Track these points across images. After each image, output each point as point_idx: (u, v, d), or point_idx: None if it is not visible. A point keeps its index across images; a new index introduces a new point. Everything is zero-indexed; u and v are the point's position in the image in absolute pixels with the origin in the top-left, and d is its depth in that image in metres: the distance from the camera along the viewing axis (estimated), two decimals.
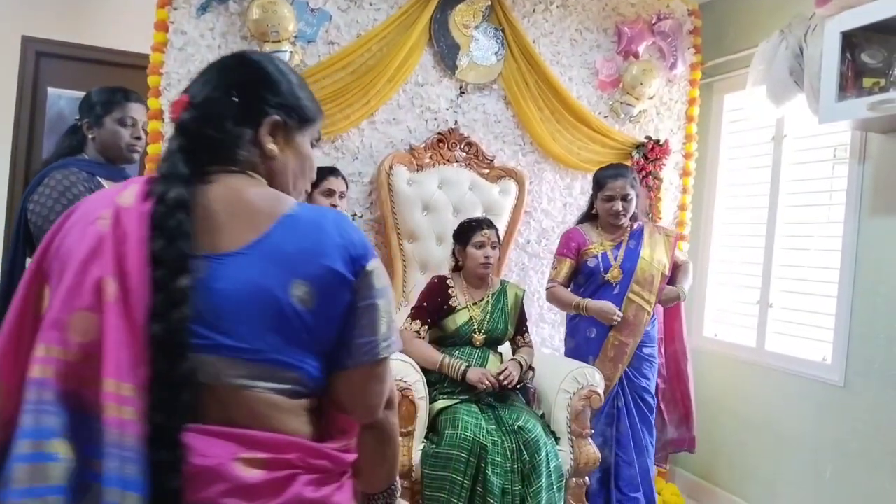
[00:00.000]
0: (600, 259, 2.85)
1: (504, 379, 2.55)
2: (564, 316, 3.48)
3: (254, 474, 0.87)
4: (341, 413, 1.03)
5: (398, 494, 1.15)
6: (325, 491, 0.95)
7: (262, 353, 0.90)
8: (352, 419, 1.04)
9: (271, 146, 1.02)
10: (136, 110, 2.16)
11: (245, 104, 1.01)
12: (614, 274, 2.83)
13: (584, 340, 2.86)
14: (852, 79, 2.50)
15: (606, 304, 2.76)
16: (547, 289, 2.94)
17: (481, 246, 2.72)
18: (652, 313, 2.85)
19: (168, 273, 0.87)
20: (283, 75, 1.06)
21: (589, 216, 2.98)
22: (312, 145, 1.12)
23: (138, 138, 2.17)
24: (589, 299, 2.79)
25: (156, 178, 0.95)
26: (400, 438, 1.13)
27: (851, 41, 2.49)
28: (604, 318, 2.76)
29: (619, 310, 2.78)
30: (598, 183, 2.90)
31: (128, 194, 0.94)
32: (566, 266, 2.88)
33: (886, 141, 2.69)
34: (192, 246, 0.90)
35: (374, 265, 0.98)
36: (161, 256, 0.88)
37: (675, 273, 2.97)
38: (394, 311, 1.02)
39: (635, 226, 2.93)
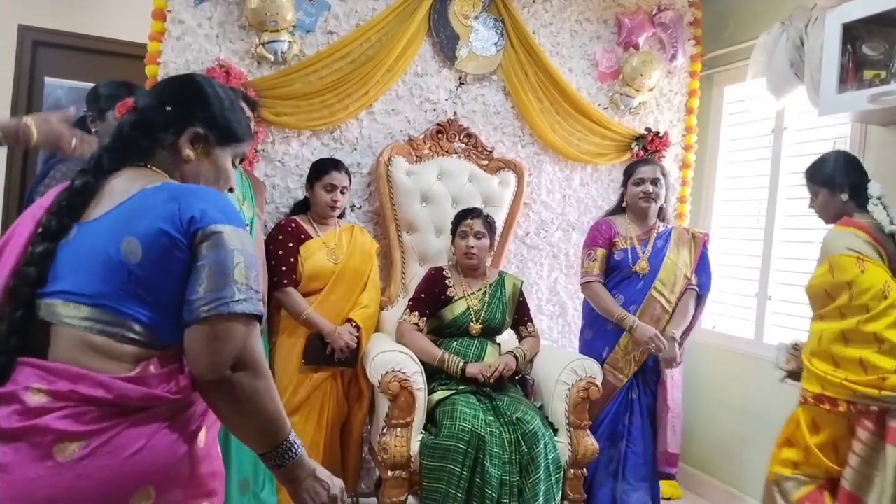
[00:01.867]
0: (629, 252, 2.84)
1: (493, 376, 2.54)
2: (563, 308, 3.50)
3: (36, 401, 1.02)
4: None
5: (295, 455, 1.14)
6: (91, 427, 1.01)
7: (92, 298, 1.06)
8: (194, 373, 1.08)
9: (188, 151, 1.21)
10: None
11: (175, 114, 1.21)
12: (642, 266, 2.81)
13: (602, 332, 2.84)
14: (853, 71, 2.50)
15: (653, 333, 2.70)
16: (585, 283, 2.88)
17: (464, 236, 2.73)
18: (671, 312, 2.82)
19: (40, 237, 1.10)
20: (218, 98, 1.25)
21: (618, 209, 2.98)
22: (234, 164, 1.29)
23: None
24: (639, 321, 2.72)
25: (81, 169, 1.18)
26: (260, 402, 1.11)
27: (852, 33, 2.48)
28: (642, 340, 2.72)
29: (640, 305, 2.78)
30: (628, 171, 2.94)
31: None
32: (600, 256, 2.84)
33: (886, 133, 2.68)
34: (76, 218, 1.12)
35: (213, 231, 1.07)
36: (44, 225, 1.12)
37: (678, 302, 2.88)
38: (240, 272, 1.08)
39: (663, 227, 2.92)
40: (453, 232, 2.80)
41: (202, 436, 1.14)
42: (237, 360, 1.07)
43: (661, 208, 2.92)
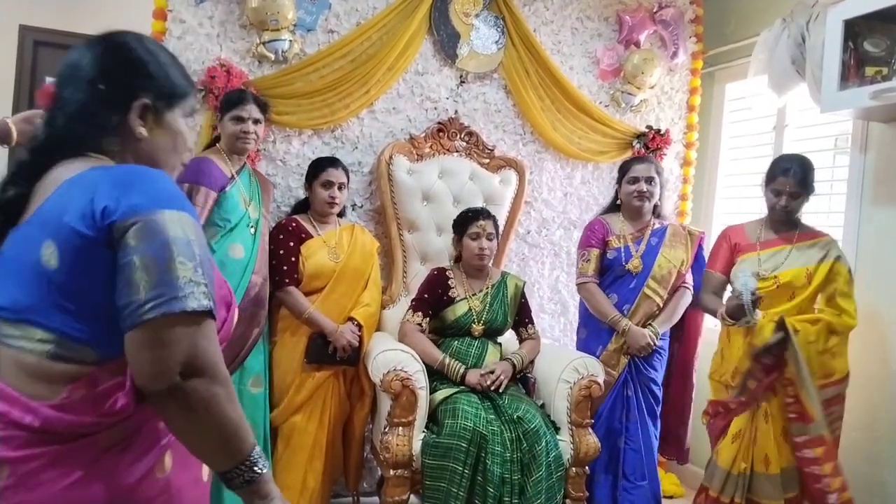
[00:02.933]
0: (622, 251, 2.84)
1: (492, 386, 2.54)
2: (565, 306, 3.50)
3: None
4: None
5: (261, 470, 0.99)
6: (18, 452, 0.91)
7: (17, 313, 0.94)
8: (139, 385, 0.93)
9: (140, 129, 1.04)
10: None
11: (112, 91, 1.03)
12: (635, 264, 2.82)
13: (596, 331, 2.86)
14: (854, 67, 2.49)
15: (644, 336, 2.75)
16: (580, 284, 2.89)
17: (476, 237, 2.72)
18: (661, 305, 2.83)
19: None
20: (152, 55, 1.07)
21: (613, 207, 2.99)
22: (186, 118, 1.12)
23: None
24: (631, 323, 2.76)
25: (9, 172, 1.05)
26: (221, 411, 0.95)
27: (854, 30, 2.48)
28: (635, 346, 2.76)
29: (633, 303, 2.79)
30: (623, 169, 2.94)
31: None
32: (595, 256, 2.85)
33: (888, 130, 2.68)
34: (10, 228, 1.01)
35: (137, 220, 0.91)
36: None
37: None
38: (180, 263, 0.92)
39: (658, 224, 2.92)
40: (461, 232, 2.77)
41: (166, 462, 1.00)
42: (187, 365, 0.92)
43: (655, 206, 2.92)
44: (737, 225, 2.75)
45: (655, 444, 2.87)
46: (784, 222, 2.59)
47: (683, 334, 3.01)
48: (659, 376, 2.87)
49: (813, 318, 2.46)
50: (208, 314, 0.94)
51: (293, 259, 2.66)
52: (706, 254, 2.95)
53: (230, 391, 0.97)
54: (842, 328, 2.44)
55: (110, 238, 0.92)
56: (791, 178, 2.46)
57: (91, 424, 0.94)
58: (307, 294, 2.68)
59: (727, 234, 2.73)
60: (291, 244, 2.67)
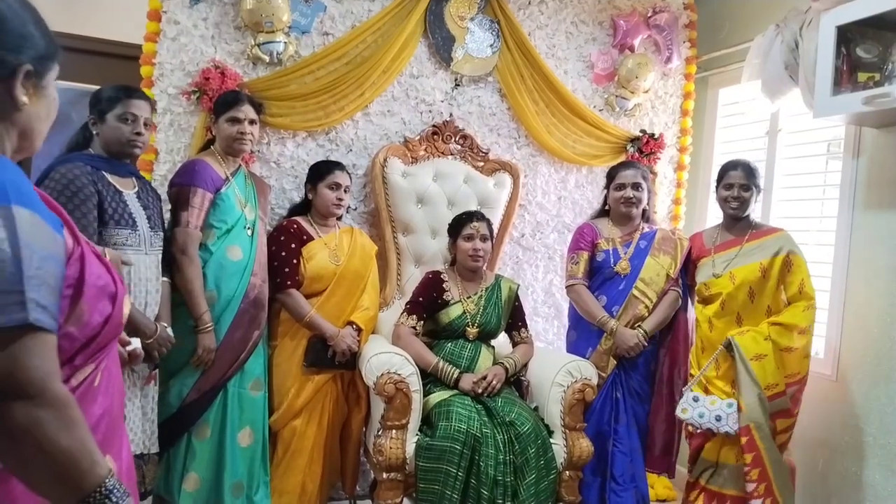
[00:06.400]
0: (610, 253, 2.86)
1: (482, 391, 2.54)
2: (558, 309, 3.50)
3: None
4: None
5: None
6: None
7: None
8: None
9: (23, 98, 0.94)
10: (137, 107, 2.18)
11: None
12: (623, 266, 2.84)
13: (586, 333, 2.87)
14: (847, 73, 2.50)
15: (633, 337, 2.75)
16: (569, 286, 2.91)
17: (470, 238, 2.73)
18: (650, 308, 2.83)
19: None
20: (24, 12, 0.95)
21: (601, 212, 3.02)
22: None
23: (138, 134, 2.17)
24: (619, 324, 2.77)
25: None
26: (47, 438, 0.84)
27: (846, 35, 2.49)
28: (623, 347, 2.76)
29: (622, 305, 2.80)
30: (610, 174, 2.97)
31: None
32: (584, 260, 2.87)
33: (880, 135, 2.69)
34: None
35: None
36: None
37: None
38: None
39: (647, 228, 2.94)
40: (455, 234, 2.79)
41: (14, 490, 0.90)
42: (2, 385, 0.81)
43: (644, 210, 2.94)
44: (697, 233, 2.93)
45: (641, 445, 2.87)
46: (738, 220, 2.74)
47: (670, 338, 2.99)
48: (648, 382, 2.87)
49: (771, 320, 2.60)
50: (32, 329, 0.82)
51: (294, 261, 2.65)
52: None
53: (64, 414, 0.85)
54: (805, 323, 2.55)
55: None
56: (740, 171, 2.70)
57: None
58: (307, 297, 2.67)
59: (689, 244, 2.90)
60: (293, 246, 2.67)
